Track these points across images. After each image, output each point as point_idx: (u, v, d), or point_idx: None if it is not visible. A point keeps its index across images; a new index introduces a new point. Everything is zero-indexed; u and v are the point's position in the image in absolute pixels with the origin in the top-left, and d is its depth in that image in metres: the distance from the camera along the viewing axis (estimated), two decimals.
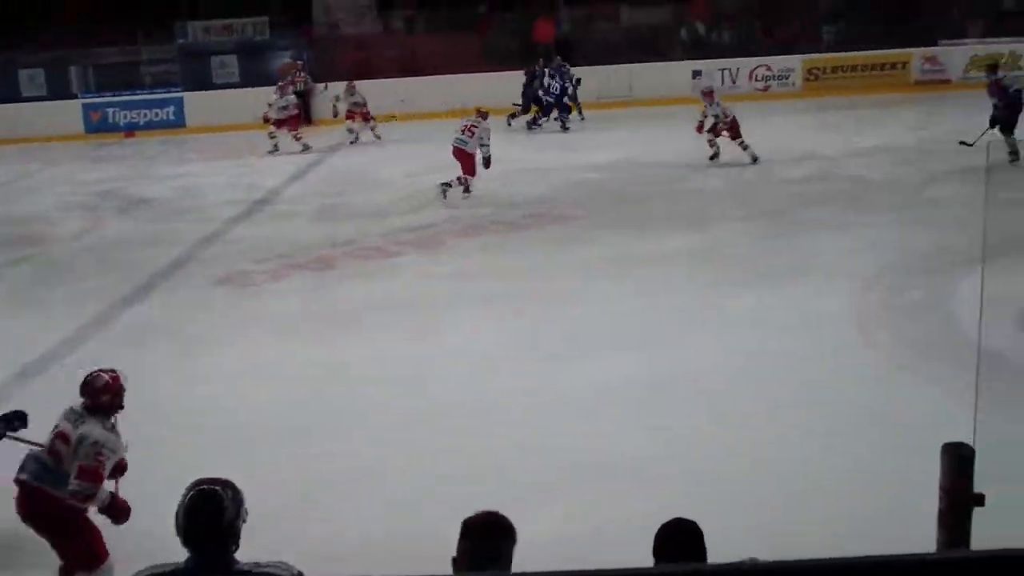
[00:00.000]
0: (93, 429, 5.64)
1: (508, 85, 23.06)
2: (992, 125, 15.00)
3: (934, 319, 9.40)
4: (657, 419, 7.62)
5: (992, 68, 16.33)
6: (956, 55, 24.49)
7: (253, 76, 25.31)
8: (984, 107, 15.32)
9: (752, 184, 15.52)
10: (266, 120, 20.45)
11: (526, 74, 22.75)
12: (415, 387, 8.45)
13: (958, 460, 4.35)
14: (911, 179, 15.29)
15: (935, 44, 24.91)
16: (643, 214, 14.22)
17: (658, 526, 3.82)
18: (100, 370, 5.82)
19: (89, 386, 5.74)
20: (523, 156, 18.38)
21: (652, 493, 6.25)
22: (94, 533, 5.78)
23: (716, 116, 16.61)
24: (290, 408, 8.14)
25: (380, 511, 6.64)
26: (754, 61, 24.97)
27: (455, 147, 15.33)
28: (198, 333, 10.39)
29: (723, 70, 24.86)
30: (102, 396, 5.74)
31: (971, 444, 4.36)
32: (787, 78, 24.96)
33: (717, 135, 16.59)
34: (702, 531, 3.80)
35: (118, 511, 5.76)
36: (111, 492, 5.75)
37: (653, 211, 14.38)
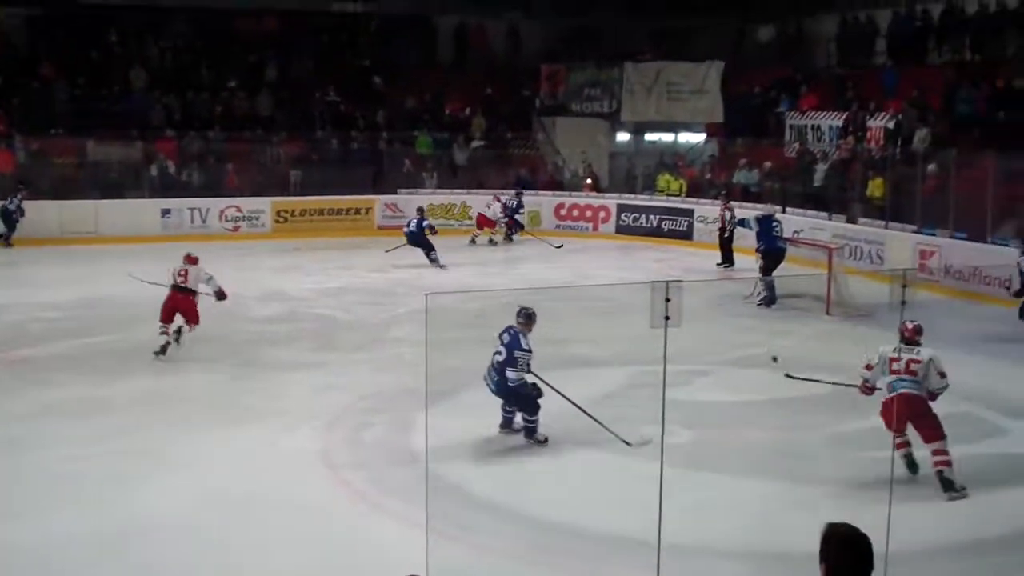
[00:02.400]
0: None
1: None
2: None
3: (396, 454, 9.82)
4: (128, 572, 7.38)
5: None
6: (414, 203, 26.17)
7: None
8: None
9: (220, 323, 15.51)
10: None
11: None
12: None
13: None
14: (375, 319, 16.02)
15: (395, 192, 26.54)
16: (105, 354, 13.76)
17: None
18: None
19: None
20: None
21: None
22: None
23: None
24: None
25: None
26: (224, 201, 25.21)
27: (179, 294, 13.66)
28: None
29: (193, 209, 24.89)
30: None
31: (423, 574, 4.65)
32: (257, 219, 25.42)
33: None
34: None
35: None
36: None
37: (116, 350, 13.93)
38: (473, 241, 24.69)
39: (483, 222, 24.96)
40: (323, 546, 7.78)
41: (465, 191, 27.17)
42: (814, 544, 3.96)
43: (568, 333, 13.96)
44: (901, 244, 19.57)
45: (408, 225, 21.55)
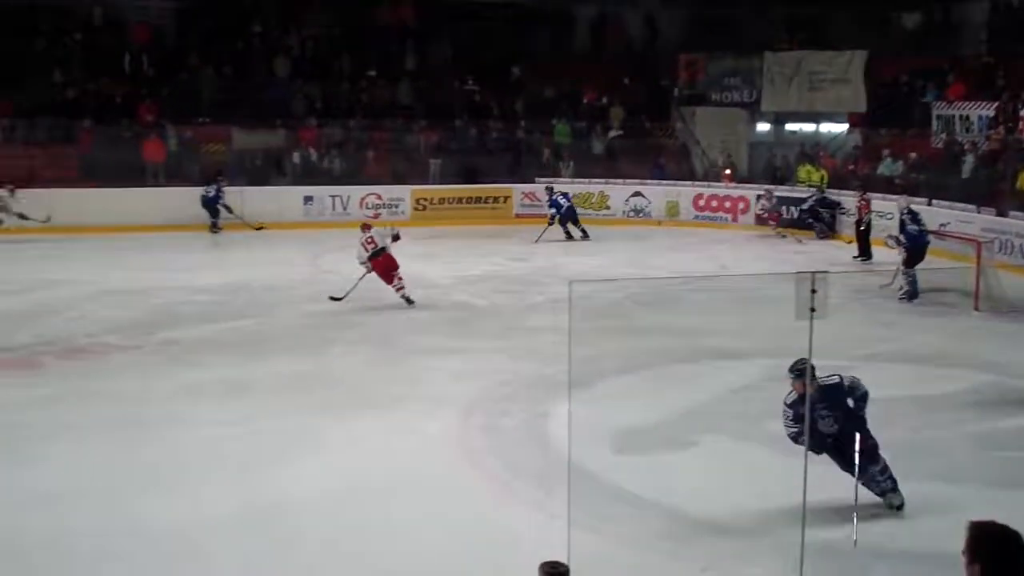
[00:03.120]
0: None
1: (105, 201, 22.73)
2: None
3: (533, 442, 9.85)
4: (270, 548, 7.55)
5: None
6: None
7: None
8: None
9: (363, 309, 15.75)
10: None
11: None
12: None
13: None
14: (513, 306, 16.09)
15: (533, 181, 26.59)
16: (255, 337, 14.10)
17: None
18: None
19: None
20: (124, 276, 18.01)
21: None
22: None
23: None
24: None
25: None
26: (364, 189, 25.61)
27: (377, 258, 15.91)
28: None
29: (334, 197, 25.35)
30: None
31: (566, 562, 4.64)
32: (397, 207, 25.76)
33: None
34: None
35: None
36: None
37: (265, 334, 14.28)
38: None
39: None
40: (459, 531, 7.82)
41: (603, 180, 27.05)
42: (957, 545, 3.83)
43: (708, 324, 13.84)
44: None
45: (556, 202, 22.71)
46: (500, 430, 10.38)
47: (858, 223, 21.06)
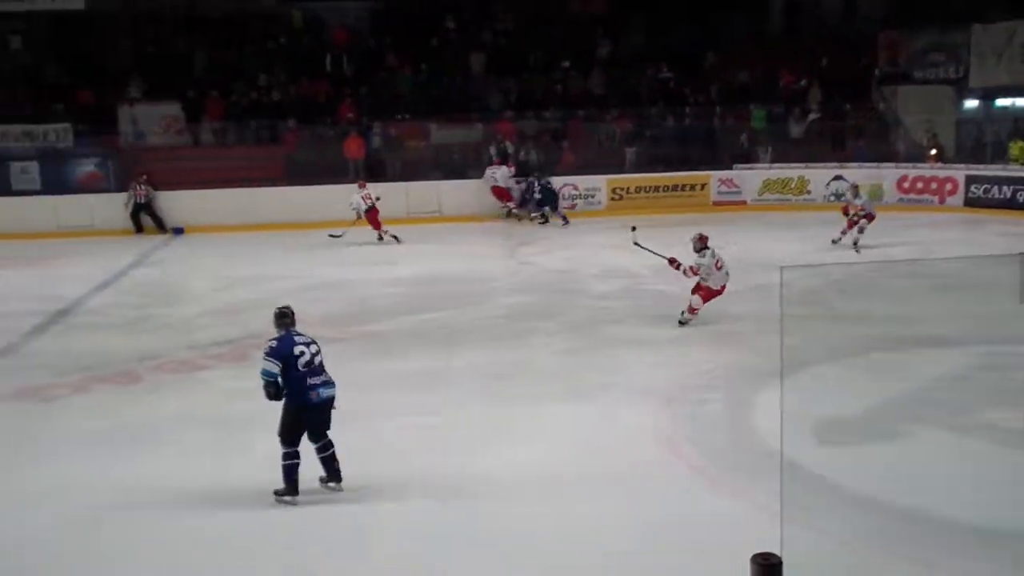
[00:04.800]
0: None
1: (308, 198, 23.89)
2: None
3: (736, 432, 9.74)
4: (482, 525, 7.71)
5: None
6: (750, 178, 25.86)
7: (54, 183, 24.78)
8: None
9: (560, 299, 15.86)
10: None
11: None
12: (214, 505, 8.34)
13: (767, 570, 4.56)
14: None
15: (731, 168, 26.22)
16: (452, 328, 14.35)
17: None
18: None
19: None
20: (324, 272, 18.65)
21: None
22: None
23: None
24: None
25: None
26: (561, 180, 25.72)
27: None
28: None
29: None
30: None
31: (778, 554, 4.58)
32: (593, 196, 25.78)
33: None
34: None
35: None
36: None
37: (462, 325, 14.51)
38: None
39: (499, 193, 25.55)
40: (665, 521, 7.80)
41: (803, 165, 26.43)
42: None
43: (915, 311, 13.40)
44: None
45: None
46: (702, 419, 10.32)
47: None
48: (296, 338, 8.25)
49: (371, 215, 21.88)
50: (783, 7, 31.58)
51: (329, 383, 8.29)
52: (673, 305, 14.90)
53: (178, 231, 24.37)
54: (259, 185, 24.76)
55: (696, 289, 13.88)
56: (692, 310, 13.82)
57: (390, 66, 29.09)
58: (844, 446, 9.44)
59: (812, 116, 28.29)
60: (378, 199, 21.92)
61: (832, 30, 31.08)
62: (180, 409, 10.99)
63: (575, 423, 10.20)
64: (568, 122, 27.81)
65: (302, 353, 8.14)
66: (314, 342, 8.33)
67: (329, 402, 8.33)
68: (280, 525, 8.03)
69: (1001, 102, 29.22)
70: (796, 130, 28.20)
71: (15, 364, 13.13)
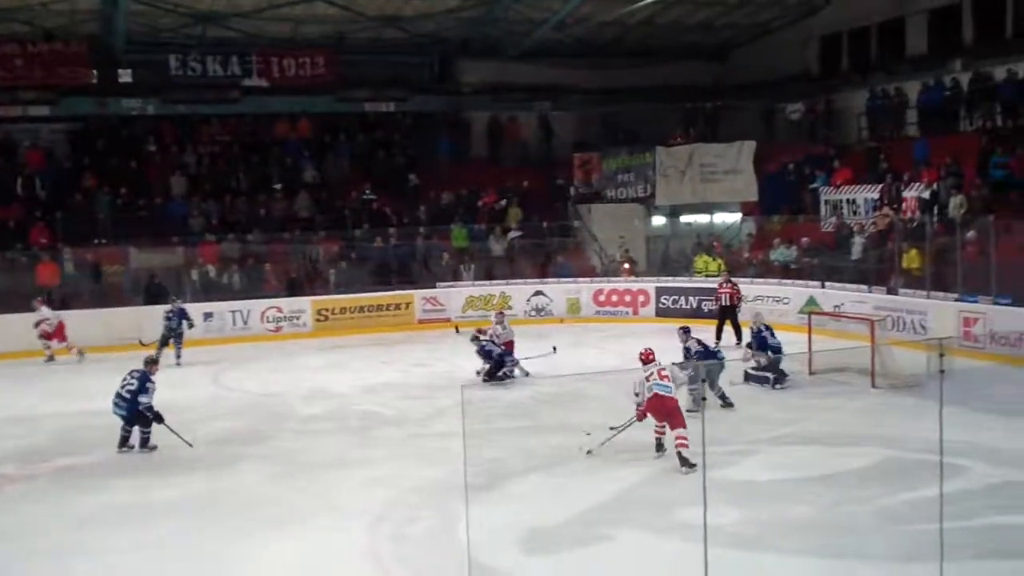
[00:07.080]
0: None
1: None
2: None
3: (443, 548, 9.75)
4: None
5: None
6: (453, 296, 26.41)
7: None
8: None
9: (266, 423, 15.57)
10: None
11: None
12: None
13: None
14: (419, 413, 16.00)
15: (434, 286, 26.70)
16: (153, 460, 13.82)
17: None
18: None
19: None
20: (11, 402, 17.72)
21: None
22: None
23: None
24: None
25: None
26: (265, 303, 25.42)
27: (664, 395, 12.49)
28: None
29: (234, 312, 25.09)
30: None
31: None
32: (298, 318, 25.59)
33: None
34: None
35: None
36: None
37: (163, 457, 13.94)
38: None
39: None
40: None
41: (504, 282, 27.27)
42: None
43: (610, 418, 13.85)
44: (944, 313, 19.38)
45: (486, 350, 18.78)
46: (409, 538, 10.29)
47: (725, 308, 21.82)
48: None
49: (59, 329, 22.12)
50: (485, 130, 32.68)
51: None
52: (382, 424, 14.89)
53: None
54: None
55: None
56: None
57: (87, 188, 28.14)
58: (548, 554, 9.60)
59: (513, 234, 29.22)
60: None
61: (530, 153, 32.50)
62: None
63: (284, 549, 9.97)
64: (273, 244, 27.57)
65: None
66: None
67: None
68: None
69: (685, 218, 31.22)
70: (498, 248, 29.04)
71: None
